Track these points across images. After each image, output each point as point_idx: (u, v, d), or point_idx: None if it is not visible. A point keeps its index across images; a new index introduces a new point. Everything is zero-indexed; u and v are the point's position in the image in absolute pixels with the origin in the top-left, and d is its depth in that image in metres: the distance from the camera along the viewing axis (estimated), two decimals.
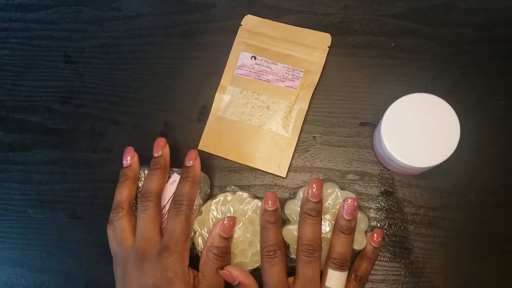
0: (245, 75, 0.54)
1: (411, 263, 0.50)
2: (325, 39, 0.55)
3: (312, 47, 0.55)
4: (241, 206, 0.48)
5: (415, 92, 0.45)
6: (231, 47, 0.56)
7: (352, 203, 0.44)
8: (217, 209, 0.48)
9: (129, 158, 0.49)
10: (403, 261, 0.51)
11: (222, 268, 0.44)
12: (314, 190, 0.44)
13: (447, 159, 0.44)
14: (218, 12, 0.58)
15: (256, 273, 0.46)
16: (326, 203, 0.47)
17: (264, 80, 0.54)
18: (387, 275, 0.50)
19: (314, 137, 0.54)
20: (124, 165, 0.49)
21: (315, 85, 0.54)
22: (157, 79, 0.57)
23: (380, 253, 0.51)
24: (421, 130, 0.45)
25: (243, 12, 0.57)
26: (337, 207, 0.46)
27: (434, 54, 0.54)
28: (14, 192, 0.57)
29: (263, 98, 0.53)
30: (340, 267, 0.43)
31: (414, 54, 0.55)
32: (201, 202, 0.49)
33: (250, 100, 0.54)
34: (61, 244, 0.55)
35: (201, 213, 0.49)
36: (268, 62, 0.54)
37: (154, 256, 0.43)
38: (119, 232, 0.46)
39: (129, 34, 0.59)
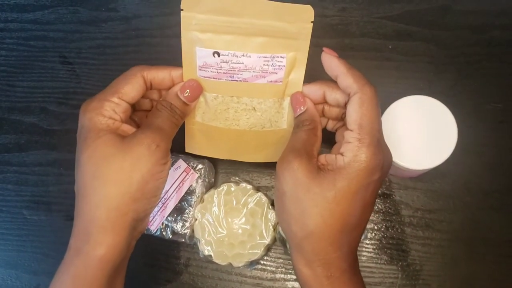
0: (213, 78, 0.42)
1: (408, 265, 0.50)
2: (305, 12, 0.39)
3: (290, 23, 0.40)
4: (244, 198, 0.49)
5: (412, 95, 0.45)
6: None
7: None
8: (219, 198, 0.49)
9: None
10: (400, 263, 0.51)
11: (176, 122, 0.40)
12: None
13: (444, 161, 0.44)
14: None
15: (256, 273, 0.46)
16: None
17: (240, 81, 0.42)
18: (384, 278, 0.50)
19: None
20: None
21: (304, 67, 0.42)
22: None
23: (377, 256, 0.51)
24: (418, 132, 0.45)
25: None
26: None
27: (431, 56, 0.54)
28: (9, 194, 0.56)
29: (245, 101, 0.43)
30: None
31: (411, 56, 0.55)
32: (204, 190, 0.50)
33: (230, 105, 0.44)
34: (57, 246, 0.54)
35: (203, 201, 0.49)
36: (237, 56, 0.40)
37: None
38: None
39: (126, 35, 0.59)
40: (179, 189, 0.49)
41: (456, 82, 0.54)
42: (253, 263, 0.50)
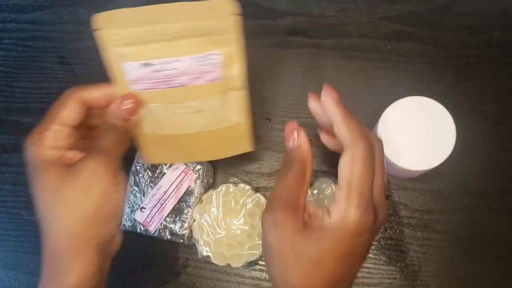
0: (150, 89, 0.41)
1: (406, 266, 0.50)
2: (223, 5, 0.38)
3: (210, 19, 0.39)
4: (243, 199, 0.49)
5: (411, 95, 0.46)
6: None
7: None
8: (218, 199, 0.49)
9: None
10: (398, 264, 0.50)
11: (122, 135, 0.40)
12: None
13: (443, 162, 0.44)
14: None
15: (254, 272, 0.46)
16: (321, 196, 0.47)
17: (178, 86, 0.41)
18: (383, 278, 0.50)
19: (310, 139, 0.54)
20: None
21: (241, 60, 0.41)
22: None
23: (376, 257, 0.51)
24: (416, 133, 0.45)
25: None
26: None
27: (430, 57, 0.54)
28: (7, 194, 0.56)
29: (189, 104, 0.43)
30: None
31: (410, 57, 0.55)
32: (203, 190, 0.50)
33: (175, 111, 0.43)
34: None
35: (202, 201, 0.49)
36: (169, 63, 0.40)
37: None
38: None
39: None
40: (177, 189, 0.49)
41: (455, 83, 0.54)
42: (251, 264, 0.49)
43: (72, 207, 0.36)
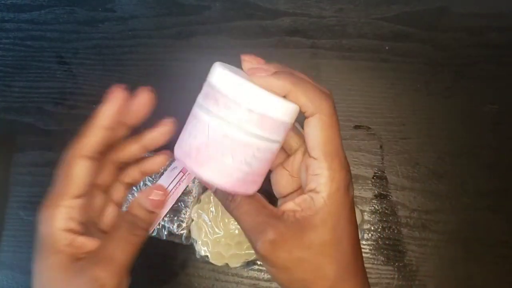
0: None
1: (404, 266, 0.50)
2: None
3: None
4: None
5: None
6: (225, 49, 0.56)
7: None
8: (216, 199, 0.49)
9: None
10: (396, 264, 0.51)
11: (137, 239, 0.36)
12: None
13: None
14: (213, 14, 0.58)
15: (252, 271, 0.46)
16: None
17: None
18: (381, 278, 0.50)
19: None
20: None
21: None
22: (150, 80, 0.57)
23: (374, 257, 0.51)
24: None
25: (237, 15, 0.57)
26: None
27: (428, 58, 0.54)
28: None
29: None
30: None
31: (408, 57, 0.55)
32: (201, 190, 0.50)
33: None
34: None
35: (200, 201, 0.49)
36: None
37: None
38: None
39: (123, 36, 0.58)
40: (175, 189, 0.49)
41: (453, 84, 0.54)
42: (249, 264, 0.49)
43: None
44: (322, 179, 0.30)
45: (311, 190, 0.30)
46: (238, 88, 0.28)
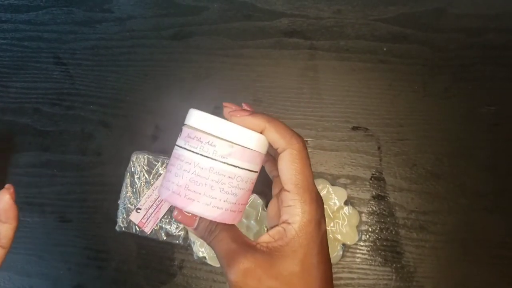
0: None
1: (402, 267, 0.50)
2: None
3: None
4: None
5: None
6: (223, 50, 0.56)
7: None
8: None
9: None
10: (394, 265, 0.51)
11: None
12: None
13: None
14: (211, 15, 0.58)
15: None
16: None
17: None
18: (378, 280, 0.50)
19: (306, 141, 0.54)
20: None
21: None
22: (148, 81, 0.57)
23: (371, 258, 0.51)
24: None
25: (235, 16, 0.57)
26: (329, 202, 0.47)
27: (426, 59, 0.55)
28: None
29: None
30: None
31: (406, 59, 0.55)
32: None
33: None
34: (50, 248, 0.54)
35: None
36: None
37: None
38: None
39: (121, 36, 0.58)
40: None
41: (450, 85, 0.54)
42: None
43: None
44: (294, 210, 0.32)
45: (284, 222, 0.32)
46: (220, 126, 0.31)
